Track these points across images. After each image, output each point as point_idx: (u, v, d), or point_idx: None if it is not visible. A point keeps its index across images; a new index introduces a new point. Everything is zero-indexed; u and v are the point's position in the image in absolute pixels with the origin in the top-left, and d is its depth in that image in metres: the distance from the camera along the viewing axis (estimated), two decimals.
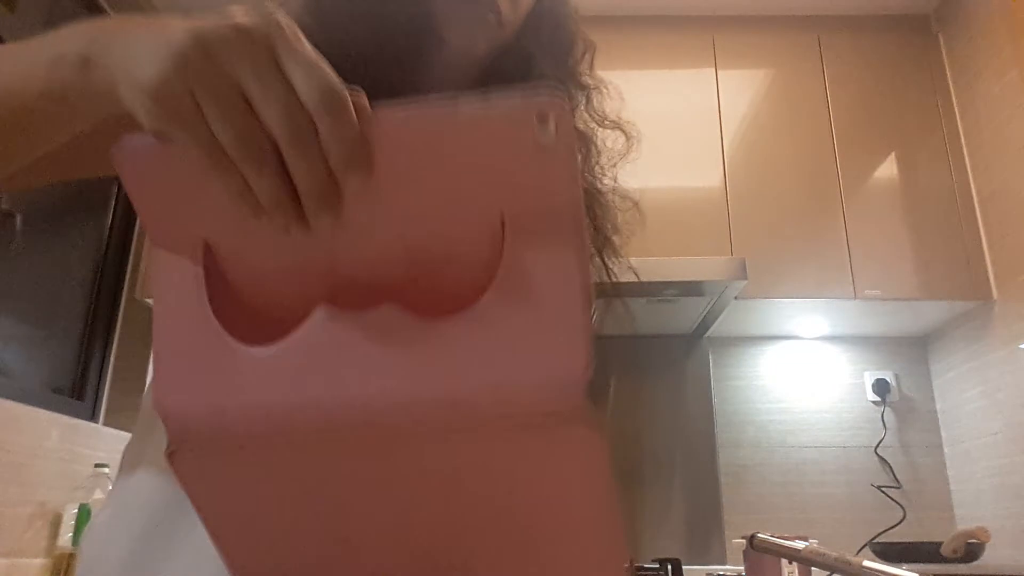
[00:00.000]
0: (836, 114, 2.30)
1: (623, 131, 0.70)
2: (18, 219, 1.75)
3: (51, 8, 1.97)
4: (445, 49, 0.61)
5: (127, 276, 2.29)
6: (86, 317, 2.17)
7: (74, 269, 2.17)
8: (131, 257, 2.30)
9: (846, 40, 2.39)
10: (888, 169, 2.27)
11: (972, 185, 2.23)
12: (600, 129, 0.69)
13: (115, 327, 2.25)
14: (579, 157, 0.67)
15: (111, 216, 2.28)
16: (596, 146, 0.69)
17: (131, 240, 2.33)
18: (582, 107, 0.69)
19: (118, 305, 2.26)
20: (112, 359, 2.22)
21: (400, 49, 0.59)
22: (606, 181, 0.69)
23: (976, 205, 2.22)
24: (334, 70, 0.44)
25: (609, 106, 0.71)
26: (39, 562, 1.82)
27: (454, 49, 0.61)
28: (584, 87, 0.69)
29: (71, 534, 1.77)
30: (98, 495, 1.82)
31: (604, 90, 0.70)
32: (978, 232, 2.18)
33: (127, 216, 2.32)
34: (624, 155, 0.69)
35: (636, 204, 0.70)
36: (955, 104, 2.31)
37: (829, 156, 2.26)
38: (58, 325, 2.10)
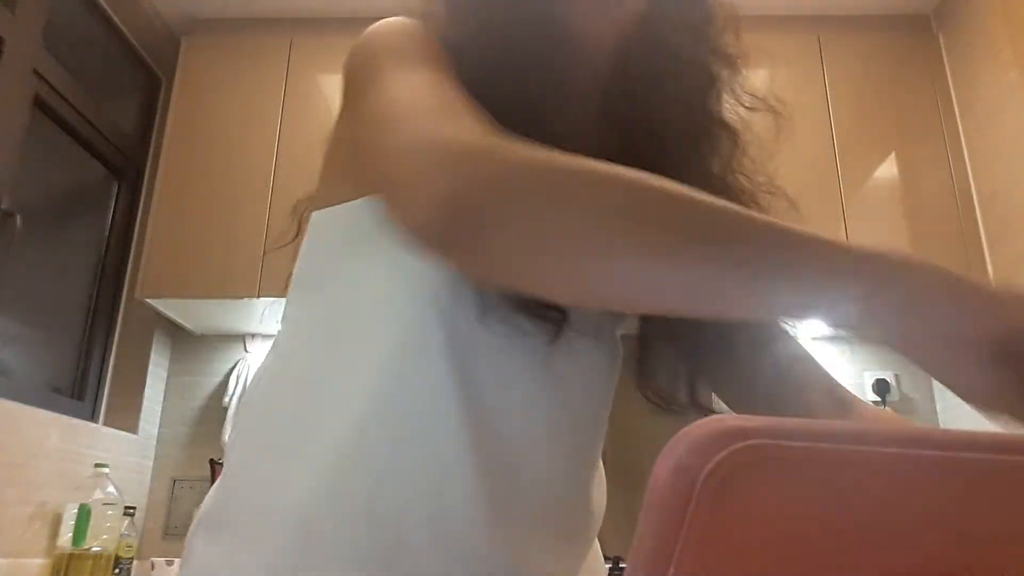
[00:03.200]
0: (836, 114, 2.30)
1: (775, 111, 0.64)
2: (18, 219, 1.75)
3: (51, 8, 1.97)
4: (575, 45, 0.58)
5: (127, 276, 2.29)
6: (86, 317, 2.17)
7: (74, 269, 2.17)
8: (131, 257, 2.30)
9: (846, 40, 2.39)
10: (888, 169, 2.27)
11: (972, 185, 2.23)
12: (750, 112, 0.63)
13: (115, 327, 2.24)
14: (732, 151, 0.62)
15: (111, 216, 2.28)
16: (745, 135, 0.63)
17: (131, 240, 2.33)
18: (734, 86, 0.64)
19: (118, 305, 2.26)
20: (112, 359, 2.22)
21: (534, 53, 0.56)
22: (759, 178, 0.63)
23: (976, 205, 2.21)
24: (481, 84, 0.47)
25: (756, 81, 0.64)
26: (39, 562, 1.82)
27: (583, 42, 0.58)
28: (730, 60, 0.63)
29: (71, 534, 1.77)
30: (98, 495, 1.82)
31: (749, 62, 0.64)
32: (978, 232, 2.18)
33: (127, 216, 2.32)
34: (775, 142, 0.62)
35: (792, 202, 0.64)
36: (955, 104, 2.31)
37: (829, 156, 2.26)
38: (58, 325, 2.10)
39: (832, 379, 0.61)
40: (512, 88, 0.53)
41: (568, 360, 0.56)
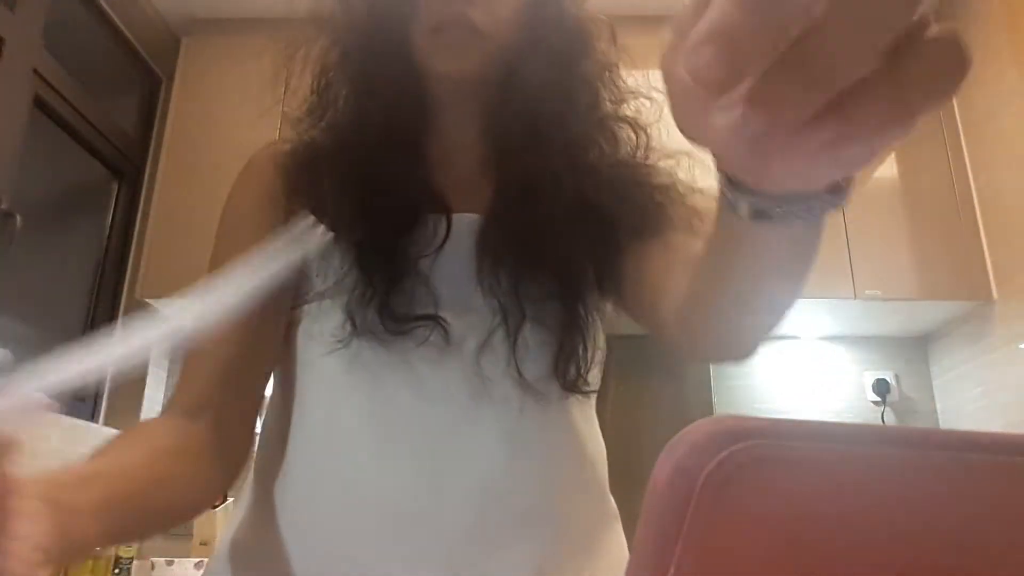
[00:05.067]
0: None
1: (647, 97, 0.64)
2: (18, 219, 1.75)
3: (51, 8, 1.97)
4: (437, 79, 0.61)
5: (127, 276, 2.29)
6: (86, 317, 2.17)
7: (74, 269, 2.17)
8: (131, 257, 2.30)
9: None
10: (888, 169, 2.27)
11: (972, 185, 2.23)
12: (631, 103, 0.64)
13: (115, 326, 2.25)
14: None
15: (111, 216, 2.28)
16: (644, 131, 0.64)
17: (131, 240, 2.32)
18: (618, 95, 0.64)
19: (118, 305, 2.26)
20: None
21: (401, 94, 0.61)
22: (663, 166, 0.64)
23: (976, 205, 2.21)
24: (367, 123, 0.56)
25: (627, 76, 0.66)
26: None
27: (445, 76, 0.60)
28: (611, 73, 0.65)
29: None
30: None
31: (624, 60, 0.66)
32: (978, 232, 2.18)
33: (127, 216, 2.32)
34: (658, 120, 0.63)
35: (702, 192, 0.63)
36: (955, 104, 2.31)
37: None
38: (58, 325, 2.10)
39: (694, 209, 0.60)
40: (382, 124, 0.61)
41: (406, 381, 0.59)
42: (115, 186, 2.31)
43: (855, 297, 2.12)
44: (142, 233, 2.25)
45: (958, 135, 2.29)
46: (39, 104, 1.93)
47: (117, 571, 1.82)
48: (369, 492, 0.58)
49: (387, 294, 0.59)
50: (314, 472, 0.61)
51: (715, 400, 2.34)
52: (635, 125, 0.64)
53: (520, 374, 0.59)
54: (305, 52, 0.64)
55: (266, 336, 0.64)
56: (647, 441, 2.33)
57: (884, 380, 2.35)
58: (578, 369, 0.60)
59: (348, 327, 0.59)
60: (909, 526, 0.23)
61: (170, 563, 1.75)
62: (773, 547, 0.23)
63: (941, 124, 2.29)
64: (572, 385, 0.60)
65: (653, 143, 0.64)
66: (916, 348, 2.41)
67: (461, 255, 0.61)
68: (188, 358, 0.62)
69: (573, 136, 0.61)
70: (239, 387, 0.62)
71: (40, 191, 2.02)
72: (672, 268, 0.55)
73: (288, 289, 0.64)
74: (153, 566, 1.76)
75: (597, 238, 0.61)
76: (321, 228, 0.50)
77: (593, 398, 0.67)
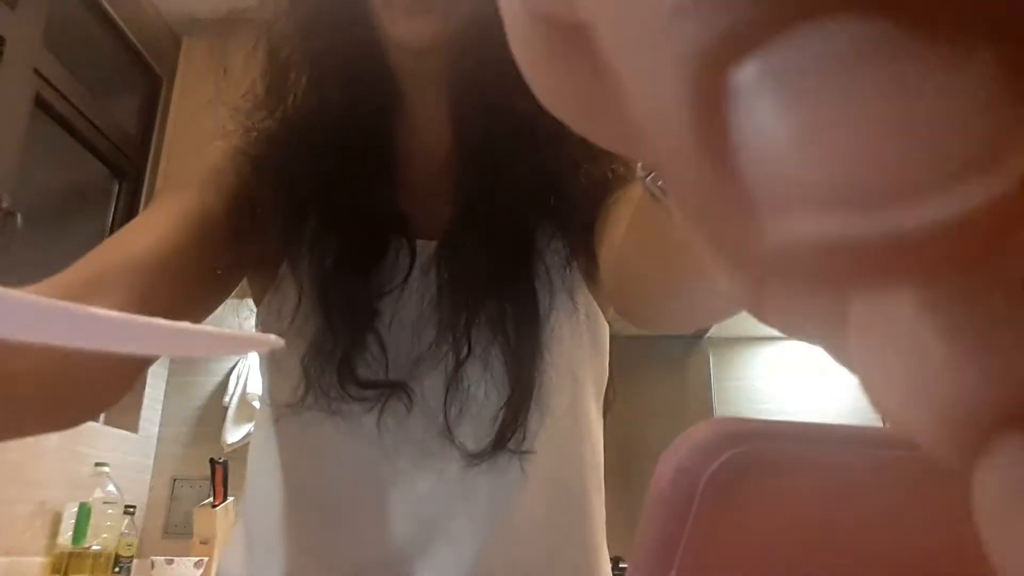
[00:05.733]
0: None
1: None
2: (19, 218, 1.75)
3: (52, 7, 1.97)
4: (400, 50, 0.55)
5: None
6: None
7: None
8: None
9: None
10: None
11: None
12: None
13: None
14: None
15: (112, 216, 2.28)
16: None
17: None
18: None
19: None
20: None
21: (363, 73, 0.56)
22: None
23: None
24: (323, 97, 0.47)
25: None
26: (39, 560, 1.82)
27: (407, 44, 0.54)
28: None
29: (71, 533, 1.77)
30: (98, 494, 1.82)
31: None
32: None
33: (128, 216, 2.32)
34: None
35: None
36: None
37: None
38: None
39: None
40: (344, 113, 0.56)
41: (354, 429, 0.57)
42: (116, 186, 2.32)
43: None
44: None
45: None
46: (40, 103, 1.93)
47: (117, 570, 1.82)
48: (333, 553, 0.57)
49: (350, 353, 0.55)
50: (277, 527, 0.59)
51: (715, 399, 2.34)
52: None
53: (450, 431, 0.55)
54: (263, 36, 0.59)
55: (205, 283, 0.56)
56: (647, 440, 2.33)
57: None
58: (521, 433, 0.55)
59: (302, 387, 0.55)
60: (912, 528, 0.24)
61: (170, 562, 1.75)
62: (775, 549, 0.24)
63: None
64: (510, 447, 0.55)
65: None
66: None
67: (422, 283, 0.57)
68: (96, 249, 0.50)
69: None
70: (156, 289, 0.49)
71: (41, 190, 2.02)
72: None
73: (242, 265, 0.58)
74: (153, 565, 1.76)
75: (580, 227, 0.57)
76: (274, 339, 0.46)
77: (596, 401, 0.64)
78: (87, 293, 0.45)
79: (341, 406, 0.55)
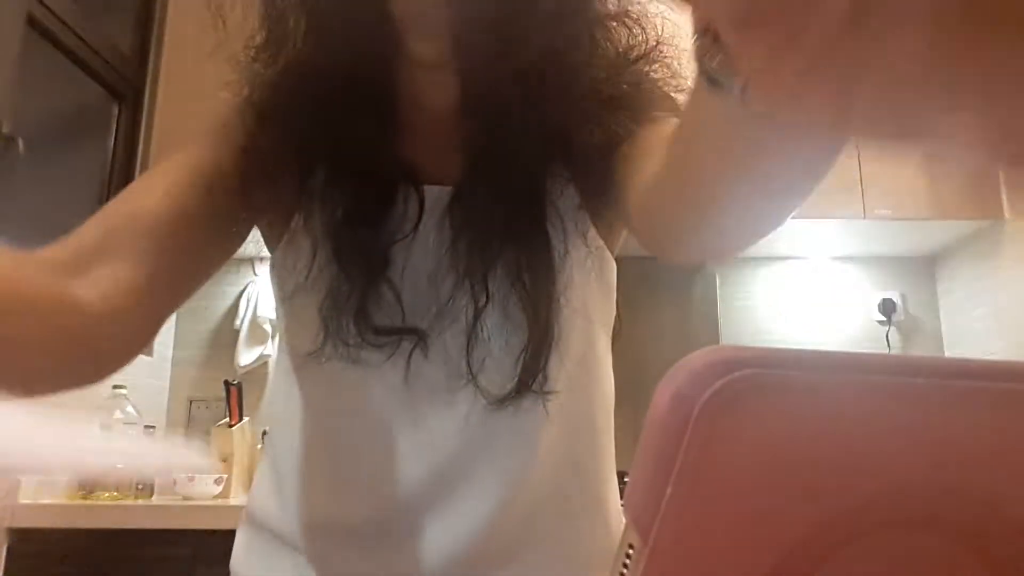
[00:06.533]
0: None
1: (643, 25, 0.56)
2: (20, 143, 1.74)
3: None
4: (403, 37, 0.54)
5: None
6: None
7: (80, 193, 2.16)
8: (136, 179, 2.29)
9: None
10: None
11: None
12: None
13: None
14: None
15: (113, 139, 2.26)
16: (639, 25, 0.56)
17: (135, 163, 2.31)
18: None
19: None
20: None
21: (366, 15, 0.53)
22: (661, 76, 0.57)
23: None
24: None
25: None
26: (65, 479, 1.89)
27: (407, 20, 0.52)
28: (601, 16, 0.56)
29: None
30: (117, 415, 1.88)
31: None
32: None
33: (129, 138, 2.30)
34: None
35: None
36: None
37: None
38: None
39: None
40: (347, 58, 0.54)
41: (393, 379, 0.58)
42: (115, 108, 2.28)
43: (864, 217, 2.10)
44: (145, 155, 2.24)
45: None
46: (32, 23, 1.88)
47: (140, 487, 1.90)
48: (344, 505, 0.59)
49: (365, 300, 0.55)
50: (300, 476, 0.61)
51: (721, 321, 2.36)
52: (626, 20, 0.57)
53: (472, 375, 0.56)
54: None
55: (212, 238, 0.56)
56: (652, 362, 2.36)
57: (890, 300, 2.36)
58: (543, 375, 0.56)
59: (320, 336, 0.56)
60: (897, 450, 0.24)
61: (191, 478, 1.82)
62: (766, 470, 0.25)
63: None
64: (531, 389, 0.56)
65: (647, 40, 0.57)
66: (923, 268, 2.41)
67: (435, 229, 0.57)
68: (105, 206, 0.51)
69: (554, 46, 0.54)
70: (162, 253, 0.49)
71: (40, 115, 2.00)
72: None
73: (246, 217, 0.59)
74: (175, 482, 1.83)
75: (592, 174, 0.57)
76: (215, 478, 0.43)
77: (606, 336, 0.66)
78: (96, 259, 0.47)
79: (360, 354, 0.56)
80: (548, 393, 0.57)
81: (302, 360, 0.59)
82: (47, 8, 1.92)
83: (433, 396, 0.58)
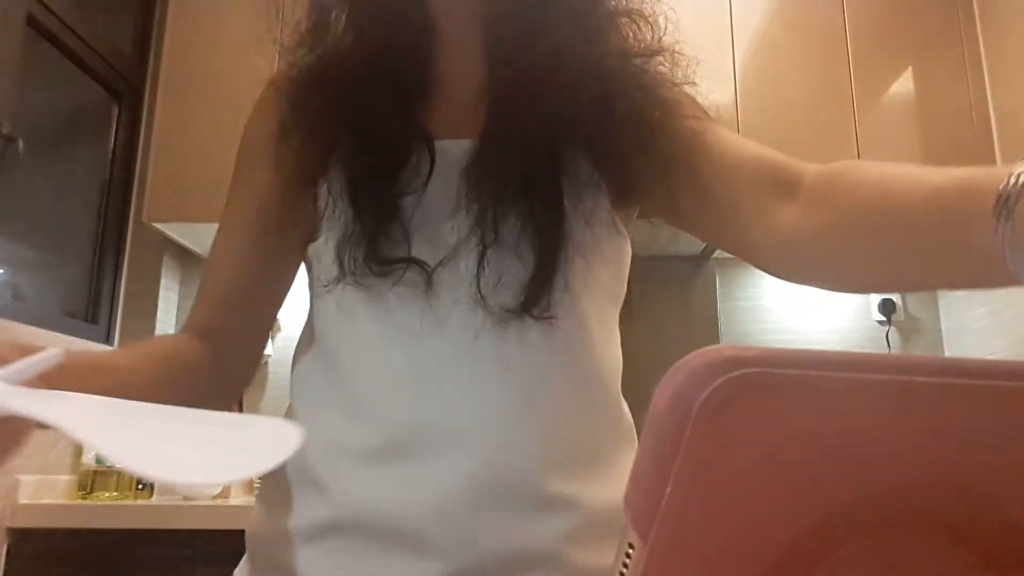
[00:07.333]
0: (852, 25, 2.23)
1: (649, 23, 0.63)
2: (20, 143, 1.74)
3: None
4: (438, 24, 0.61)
5: (133, 200, 2.29)
6: (95, 241, 2.18)
7: (80, 193, 2.16)
8: (136, 180, 2.29)
9: None
10: (904, 84, 2.21)
11: (990, 103, 2.17)
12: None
13: (124, 251, 2.26)
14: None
15: (113, 139, 2.26)
16: (650, 24, 0.62)
17: (135, 163, 2.31)
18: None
19: (125, 229, 2.27)
20: (123, 283, 2.25)
21: (403, 10, 0.61)
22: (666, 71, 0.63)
23: (992, 123, 2.16)
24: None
25: None
26: (65, 478, 1.90)
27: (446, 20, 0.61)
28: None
29: (94, 452, 1.84)
30: None
31: None
32: (993, 151, 2.14)
33: (129, 138, 2.30)
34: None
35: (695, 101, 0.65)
36: (977, 17, 2.23)
37: (843, 70, 2.20)
38: (68, 249, 2.12)
39: (770, 156, 0.59)
40: (381, 45, 0.62)
41: (414, 310, 0.61)
42: (115, 108, 2.28)
43: None
44: (145, 156, 2.24)
45: (978, 50, 2.21)
46: (32, 23, 1.89)
47: (140, 487, 1.90)
48: (360, 430, 0.60)
49: (374, 235, 0.60)
50: (313, 403, 0.65)
51: (721, 319, 2.36)
52: (642, 18, 0.63)
53: (482, 298, 0.59)
54: None
55: (276, 267, 0.68)
56: (652, 362, 2.36)
57: (890, 300, 2.36)
58: (547, 299, 0.59)
59: (335, 269, 0.61)
60: (897, 449, 0.24)
61: None
62: (767, 469, 0.25)
63: (961, 38, 2.22)
64: (534, 312, 0.59)
65: (662, 35, 0.63)
66: None
67: (450, 184, 0.61)
68: (203, 280, 0.68)
69: (577, 35, 0.60)
70: (244, 315, 0.67)
71: (40, 115, 2.00)
72: (752, 191, 0.56)
73: (299, 224, 0.66)
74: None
75: (608, 150, 0.61)
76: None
77: (613, 307, 0.67)
78: (209, 334, 0.65)
79: (368, 280, 0.61)
80: (551, 318, 0.59)
81: (318, 290, 0.64)
82: (47, 8, 1.92)
83: (442, 322, 0.60)
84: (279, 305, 0.70)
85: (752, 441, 0.24)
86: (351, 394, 0.61)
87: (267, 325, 0.70)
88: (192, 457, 0.34)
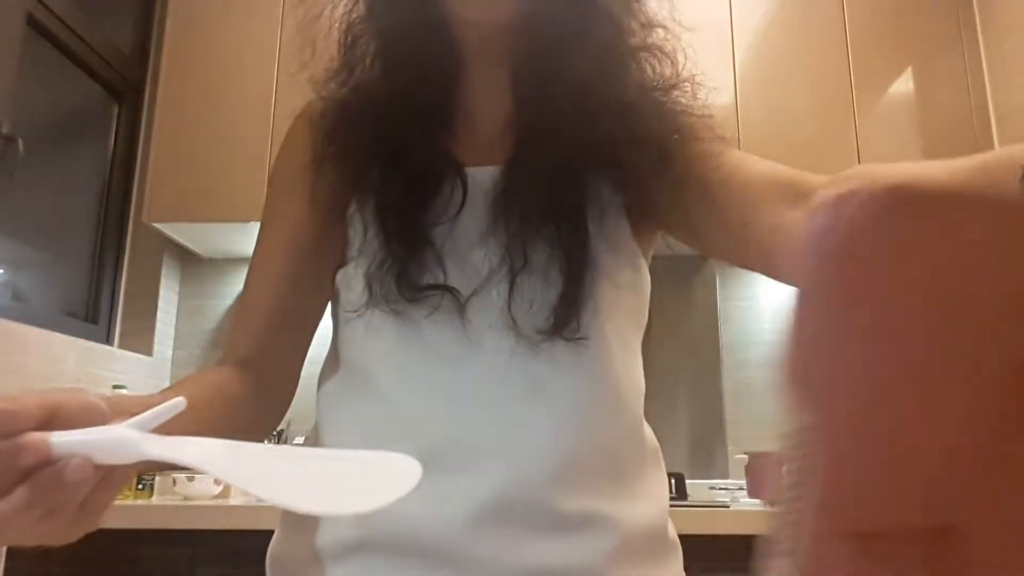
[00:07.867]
0: (852, 26, 2.23)
1: (670, 30, 0.65)
2: (20, 144, 1.74)
3: None
4: (465, 28, 0.62)
5: (133, 200, 2.28)
6: (95, 241, 2.18)
7: (80, 194, 2.16)
8: (136, 181, 2.29)
9: None
10: (904, 84, 2.21)
11: (990, 103, 2.17)
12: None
13: (124, 251, 2.26)
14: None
15: (113, 139, 2.26)
16: (670, 58, 0.65)
17: (135, 163, 2.31)
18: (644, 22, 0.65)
19: (125, 229, 2.27)
20: (123, 283, 2.25)
21: (430, 47, 0.63)
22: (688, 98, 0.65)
23: (992, 124, 2.16)
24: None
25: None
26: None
27: (474, 23, 0.61)
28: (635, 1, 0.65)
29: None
30: None
31: None
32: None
33: (129, 139, 2.30)
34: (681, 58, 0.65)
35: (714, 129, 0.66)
36: (977, 18, 2.23)
37: (844, 70, 2.20)
38: (68, 249, 2.12)
39: (782, 171, 0.60)
40: (410, 80, 0.63)
41: (437, 332, 0.62)
42: (115, 108, 2.28)
43: None
44: (145, 156, 2.24)
45: (979, 50, 2.21)
46: (32, 23, 1.88)
47: (140, 487, 1.90)
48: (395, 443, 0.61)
49: (405, 263, 0.61)
50: (339, 426, 0.65)
51: (721, 320, 2.36)
52: (661, 53, 0.65)
53: (514, 322, 0.60)
54: (331, 10, 0.66)
55: (310, 296, 0.69)
56: (652, 363, 2.36)
57: None
58: (576, 320, 0.60)
59: (365, 295, 0.62)
60: None
61: (191, 478, 1.81)
62: (939, 300, 0.23)
63: (961, 38, 2.22)
64: (564, 334, 0.60)
65: (680, 70, 0.65)
66: None
67: (477, 210, 0.63)
68: (239, 312, 0.69)
69: (600, 72, 0.62)
70: (282, 345, 0.68)
71: (40, 115, 1.99)
72: (765, 203, 0.57)
73: (331, 253, 0.68)
74: (175, 482, 1.83)
75: (629, 176, 0.62)
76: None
77: (636, 332, 0.69)
78: (247, 365, 0.65)
79: (399, 307, 0.61)
80: (581, 339, 0.60)
81: (347, 315, 0.65)
82: (47, 8, 1.92)
83: (476, 346, 0.61)
84: (312, 333, 0.70)
85: (913, 262, 0.22)
86: (384, 411, 0.61)
87: (302, 355, 0.70)
88: (330, 490, 0.38)
